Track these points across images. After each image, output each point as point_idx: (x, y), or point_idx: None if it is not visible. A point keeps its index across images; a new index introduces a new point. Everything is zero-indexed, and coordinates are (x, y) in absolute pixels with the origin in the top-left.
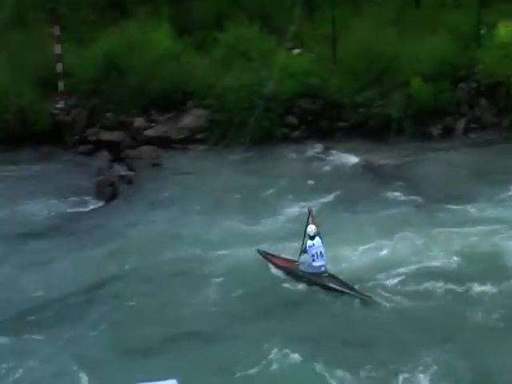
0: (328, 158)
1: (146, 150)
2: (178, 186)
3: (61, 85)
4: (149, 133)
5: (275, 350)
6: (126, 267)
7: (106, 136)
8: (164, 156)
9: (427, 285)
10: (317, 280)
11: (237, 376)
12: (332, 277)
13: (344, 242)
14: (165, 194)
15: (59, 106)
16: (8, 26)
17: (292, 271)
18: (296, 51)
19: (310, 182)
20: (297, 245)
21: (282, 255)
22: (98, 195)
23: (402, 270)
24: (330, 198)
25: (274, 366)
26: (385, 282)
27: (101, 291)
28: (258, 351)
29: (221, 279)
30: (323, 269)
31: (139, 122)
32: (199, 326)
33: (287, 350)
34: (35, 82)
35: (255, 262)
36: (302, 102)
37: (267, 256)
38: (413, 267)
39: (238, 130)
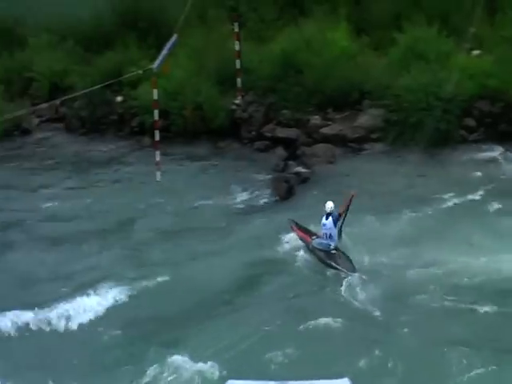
0: (506, 162)
1: (321, 148)
2: (350, 185)
3: (239, 81)
4: (325, 131)
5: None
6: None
7: (282, 133)
8: (339, 154)
9: None
10: (321, 256)
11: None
12: (336, 255)
13: (475, 249)
14: (336, 193)
15: (237, 102)
16: (189, 23)
17: (306, 244)
18: (475, 52)
19: (483, 187)
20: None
21: (308, 228)
22: (273, 191)
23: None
24: (498, 204)
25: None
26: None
27: (256, 288)
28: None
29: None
30: (331, 246)
31: (315, 120)
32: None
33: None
34: (214, 79)
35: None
36: (481, 104)
37: (293, 226)
38: None
39: (414, 131)
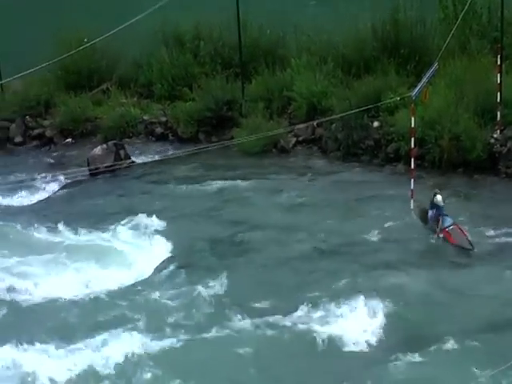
0: None
1: None
2: None
3: (499, 115)
4: None
5: None
6: None
7: None
8: None
9: None
10: None
11: None
12: None
13: None
14: None
15: (495, 135)
16: (450, 52)
17: None
18: None
19: None
20: None
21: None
22: None
23: None
24: None
25: None
26: None
27: None
28: None
29: None
30: None
31: None
32: None
33: None
34: (472, 110)
35: None
36: None
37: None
38: None
39: None
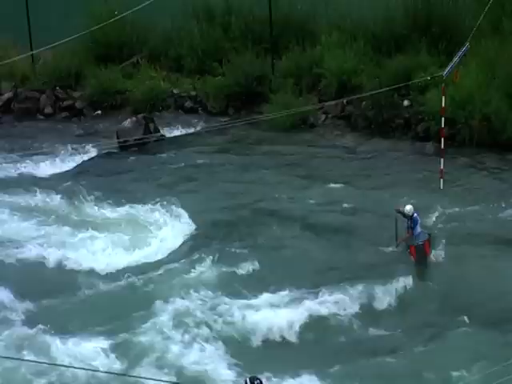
0: None
1: None
2: None
3: None
4: None
5: None
6: None
7: None
8: None
9: None
10: None
11: None
12: None
13: None
14: None
15: None
16: (482, 33)
17: None
18: None
19: None
20: None
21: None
22: None
23: None
24: None
25: None
26: None
27: None
28: None
29: None
30: None
31: None
32: None
33: None
34: (503, 91)
35: None
36: None
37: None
38: None
39: None
